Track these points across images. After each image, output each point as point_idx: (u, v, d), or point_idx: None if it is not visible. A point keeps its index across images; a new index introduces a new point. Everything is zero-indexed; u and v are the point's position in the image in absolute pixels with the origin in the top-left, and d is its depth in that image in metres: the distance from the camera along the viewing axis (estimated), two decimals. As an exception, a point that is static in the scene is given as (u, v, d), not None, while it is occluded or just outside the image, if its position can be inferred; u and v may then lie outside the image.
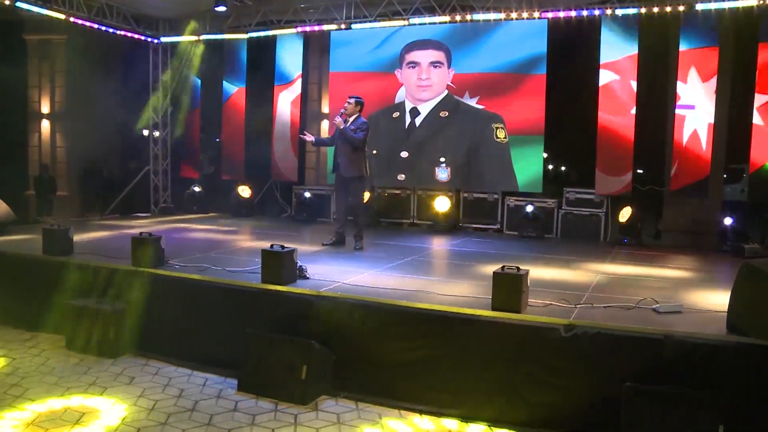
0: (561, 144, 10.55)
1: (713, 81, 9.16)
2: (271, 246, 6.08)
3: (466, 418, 4.97)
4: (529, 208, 10.33)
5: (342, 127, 8.10)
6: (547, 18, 10.07)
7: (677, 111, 9.41)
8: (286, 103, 12.30)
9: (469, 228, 11.11)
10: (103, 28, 11.80)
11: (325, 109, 13.65)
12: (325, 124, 13.63)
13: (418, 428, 4.84)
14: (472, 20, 10.54)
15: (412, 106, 11.43)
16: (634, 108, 9.66)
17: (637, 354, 4.65)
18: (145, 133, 14.24)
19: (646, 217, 9.99)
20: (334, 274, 6.58)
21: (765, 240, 8.82)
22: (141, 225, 10.59)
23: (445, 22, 10.80)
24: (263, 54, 12.41)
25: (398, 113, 11.52)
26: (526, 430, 4.79)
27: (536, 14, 10.06)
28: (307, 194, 11.97)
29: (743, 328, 4.56)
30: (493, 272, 5.22)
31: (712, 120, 9.20)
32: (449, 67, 11.12)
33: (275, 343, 5.45)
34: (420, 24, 11.01)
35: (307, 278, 6.22)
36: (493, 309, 5.16)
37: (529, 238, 10.15)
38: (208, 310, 6.08)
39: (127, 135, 13.86)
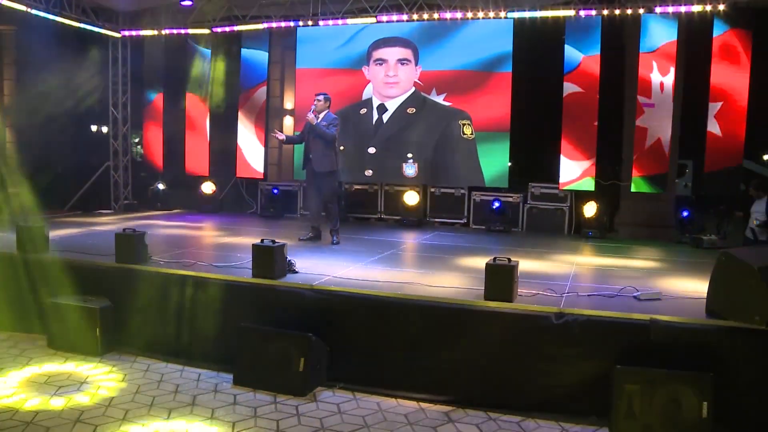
0: (526, 140, 10.84)
1: (672, 80, 9.64)
2: (262, 241, 6.12)
3: (463, 404, 5.15)
4: (496, 204, 10.63)
5: (314, 123, 8.16)
6: (513, 18, 10.35)
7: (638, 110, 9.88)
8: (254, 102, 12.25)
9: (436, 222, 11.33)
10: (59, 19, 11.46)
11: (288, 105, 13.65)
12: (287, 121, 13.63)
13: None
14: (439, 18, 10.74)
15: (379, 102, 11.55)
16: (597, 106, 10.05)
17: (624, 338, 4.93)
18: (94, 128, 13.94)
19: (608, 211, 10.41)
20: (321, 268, 6.65)
21: (719, 231, 9.34)
22: (107, 222, 10.43)
23: (413, 21, 10.96)
24: (230, 55, 12.37)
25: (365, 109, 11.63)
26: (521, 415, 4.99)
27: (502, 14, 10.34)
28: (275, 190, 11.96)
29: (722, 312, 4.89)
30: (486, 263, 5.41)
31: (670, 118, 9.68)
32: (416, 64, 11.29)
33: (271, 337, 5.51)
34: (387, 22, 11.15)
35: (296, 272, 6.28)
36: (486, 299, 5.36)
37: (497, 231, 10.44)
38: (198, 306, 6.08)
39: (82, 130, 13.49)
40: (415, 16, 10.89)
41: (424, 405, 5.21)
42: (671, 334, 4.84)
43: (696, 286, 6.14)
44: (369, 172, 11.64)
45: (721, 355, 4.70)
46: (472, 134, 10.94)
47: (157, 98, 12.91)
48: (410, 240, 9.47)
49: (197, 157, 12.57)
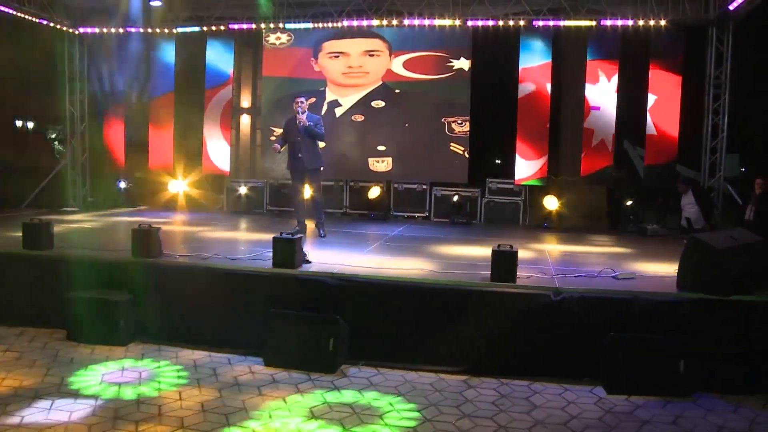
0: (483, 139, 11.74)
1: (615, 85, 10.82)
2: (281, 234, 6.65)
3: (477, 372, 5.89)
4: (456, 198, 11.53)
5: (308, 124, 8.65)
6: (472, 25, 11.21)
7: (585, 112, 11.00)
8: (218, 100, 12.56)
9: (400, 216, 12.05)
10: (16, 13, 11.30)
11: (245, 103, 14.00)
12: (245, 119, 13.99)
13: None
14: (402, 25, 11.47)
15: (333, 97, 12.13)
16: (549, 108, 11.09)
17: (612, 310, 5.81)
18: (19, 123, 13.89)
19: (559, 204, 11.48)
20: (325, 258, 7.21)
21: (660, 220, 10.56)
22: (86, 219, 10.52)
23: (380, 26, 11.63)
24: (194, 54, 12.59)
25: (315, 99, 12.06)
26: (527, 378, 5.77)
27: (462, 22, 11.17)
28: (243, 188, 12.34)
29: (691, 287, 5.88)
30: (492, 250, 6.20)
31: (614, 120, 10.85)
32: (391, 53, 11.93)
33: (301, 321, 6.06)
34: (349, 27, 11.79)
35: (310, 262, 6.83)
36: (492, 280, 6.14)
37: (460, 224, 11.29)
38: (221, 295, 6.50)
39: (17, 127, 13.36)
40: (378, 22, 11.54)
41: (442, 375, 5.90)
42: (652, 306, 5.77)
43: (656, 267, 7.19)
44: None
45: (692, 322, 5.66)
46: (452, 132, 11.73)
47: (119, 96, 12.97)
48: (389, 232, 10.09)
49: (161, 154, 12.73)
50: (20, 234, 7.35)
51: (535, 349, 5.89)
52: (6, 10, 11.04)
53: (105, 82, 13.01)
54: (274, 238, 6.63)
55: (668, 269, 6.87)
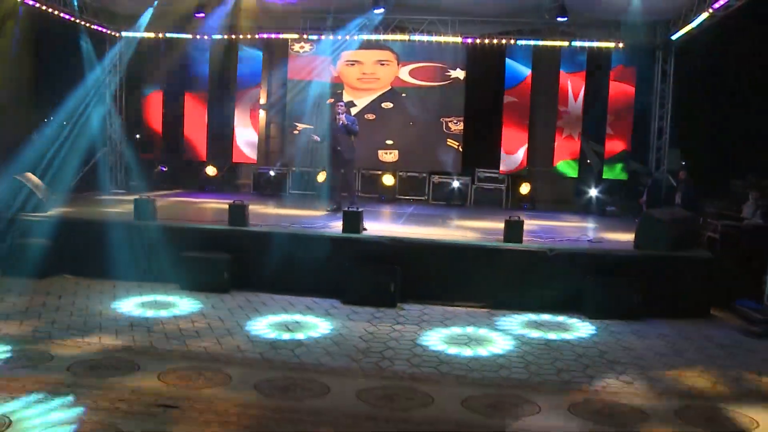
0: (475, 134, 14.18)
1: (582, 93, 13.37)
2: (348, 208, 8.88)
3: (495, 307, 8.24)
4: (456, 184, 13.93)
5: (346, 123, 10.85)
6: (467, 42, 13.58)
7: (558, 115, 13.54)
8: (247, 99, 14.62)
9: (404, 199, 14.35)
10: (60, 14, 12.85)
11: (261, 100, 15.99)
12: (260, 114, 15.99)
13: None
14: (409, 40, 13.76)
15: (349, 99, 14.36)
16: (528, 111, 13.58)
17: (590, 262, 8.27)
18: None
19: (535, 190, 14.00)
20: (373, 227, 9.44)
21: (617, 205, 13.16)
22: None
23: (391, 40, 13.88)
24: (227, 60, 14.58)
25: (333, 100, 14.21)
26: (532, 311, 8.11)
27: (459, 39, 13.52)
28: (271, 173, 14.45)
29: (644, 246, 8.42)
30: (506, 220, 8.60)
31: (581, 124, 13.42)
32: (399, 63, 14.24)
33: (370, 270, 8.28)
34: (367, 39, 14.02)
35: (366, 229, 9.08)
36: (505, 241, 8.54)
37: (456, 206, 13.69)
38: (302, 254, 8.64)
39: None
40: (387, 36, 13.78)
41: (470, 309, 8.22)
42: (618, 258, 8.27)
43: (616, 236, 9.74)
44: None
45: (645, 268, 8.18)
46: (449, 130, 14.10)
47: (156, 93, 14.83)
48: (404, 210, 12.41)
49: (196, 144, 14.70)
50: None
51: (536, 290, 8.27)
52: (68, 17, 12.80)
53: (145, 80, 14.81)
54: (344, 211, 8.87)
55: (625, 237, 9.42)
